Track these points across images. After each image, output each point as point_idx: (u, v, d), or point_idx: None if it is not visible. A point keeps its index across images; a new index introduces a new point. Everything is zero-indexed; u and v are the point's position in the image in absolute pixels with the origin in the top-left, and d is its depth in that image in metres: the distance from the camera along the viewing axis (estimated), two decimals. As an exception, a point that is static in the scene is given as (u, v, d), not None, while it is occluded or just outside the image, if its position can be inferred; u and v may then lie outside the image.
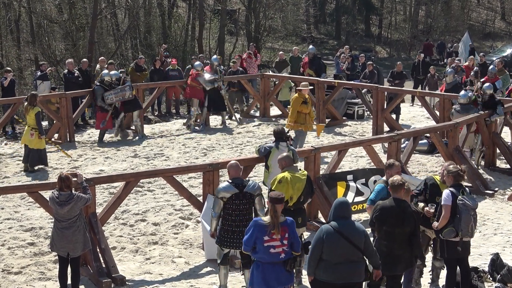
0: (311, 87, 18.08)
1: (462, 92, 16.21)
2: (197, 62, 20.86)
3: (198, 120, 20.41)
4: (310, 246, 7.74)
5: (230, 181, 9.22)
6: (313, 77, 21.57)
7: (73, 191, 9.22)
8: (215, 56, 22.36)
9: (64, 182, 9.10)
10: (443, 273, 9.38)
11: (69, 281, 9.50)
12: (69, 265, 9.44)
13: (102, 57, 22.95)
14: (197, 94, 19.98)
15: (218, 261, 9.47)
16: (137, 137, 19.19)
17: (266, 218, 7.82)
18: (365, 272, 7.79)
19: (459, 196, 8.79)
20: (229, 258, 9.57)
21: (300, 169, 9.95)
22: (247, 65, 23.77)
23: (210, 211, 10.63)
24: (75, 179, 9.63)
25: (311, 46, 23.94)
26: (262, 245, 7.72)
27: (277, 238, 7.71)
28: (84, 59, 22.18)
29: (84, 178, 9.89)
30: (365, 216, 11.93)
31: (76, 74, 20.11)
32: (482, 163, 15.90)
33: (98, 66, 21.87)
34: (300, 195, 9.61)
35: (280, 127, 12.02)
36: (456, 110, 15.72)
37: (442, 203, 8.84)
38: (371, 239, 8.15)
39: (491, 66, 20.64)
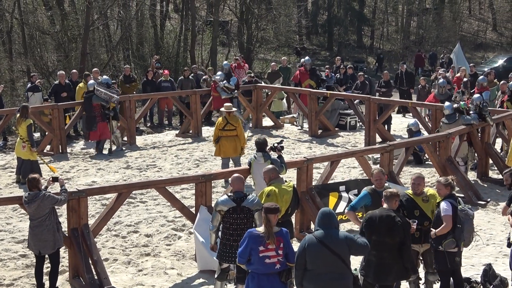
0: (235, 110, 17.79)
1: (446, 103, 16.27)
2: (219, 73, 21.10)
3: None
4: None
5: (230, 194, 9.10)
6: (307, 89, 21.55)
7: (41, 190, 9.62)
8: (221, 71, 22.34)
9: (30, 182, 9.66)
10: (436, 286, 9.37)
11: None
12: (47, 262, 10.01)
13: (96, 68, 22.90)
14: (223, 104, 19.83)
15: (216, 275, 9.36)
16: (118, 149, 18.90)
17: (261, 229, 7.76)
18: (354, 286, 7.76)
19: (460, 206, 8.81)
20: (227, 273, 9.38)
21: (286, 181, 9.94)
22: (237, 75, 23.64)
23: (202, 223, 10.65)
24: (57, 182, 10.03)
25: (307, 57, 23.92)
26: (257, 255, 7.65)
27: (272, 248, 7.67)
28: (74, 70, 22.10)
29: (65, 185, 10.22)
30: (357, 226, 11.91)
31: (64, 86, 20.10)
32: (471, 173, 15.90)
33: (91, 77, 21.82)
34: (288, 207, 9.64)
35: (262, 138, 12.12)
36: (444, 123, 15.75)
37: (442, 214, 8.78)
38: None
39: (481, 77, 20.71)
